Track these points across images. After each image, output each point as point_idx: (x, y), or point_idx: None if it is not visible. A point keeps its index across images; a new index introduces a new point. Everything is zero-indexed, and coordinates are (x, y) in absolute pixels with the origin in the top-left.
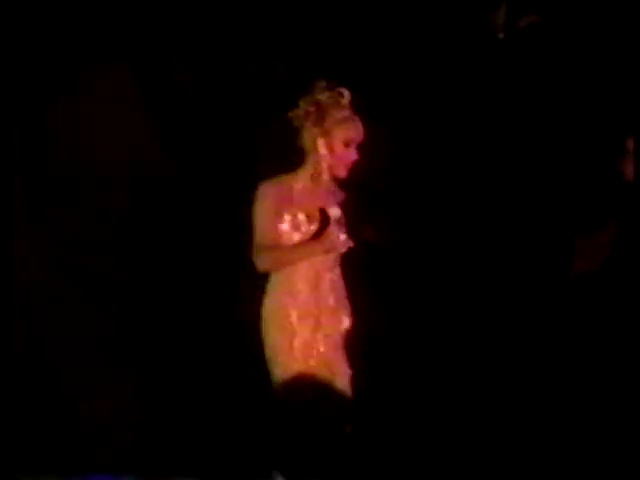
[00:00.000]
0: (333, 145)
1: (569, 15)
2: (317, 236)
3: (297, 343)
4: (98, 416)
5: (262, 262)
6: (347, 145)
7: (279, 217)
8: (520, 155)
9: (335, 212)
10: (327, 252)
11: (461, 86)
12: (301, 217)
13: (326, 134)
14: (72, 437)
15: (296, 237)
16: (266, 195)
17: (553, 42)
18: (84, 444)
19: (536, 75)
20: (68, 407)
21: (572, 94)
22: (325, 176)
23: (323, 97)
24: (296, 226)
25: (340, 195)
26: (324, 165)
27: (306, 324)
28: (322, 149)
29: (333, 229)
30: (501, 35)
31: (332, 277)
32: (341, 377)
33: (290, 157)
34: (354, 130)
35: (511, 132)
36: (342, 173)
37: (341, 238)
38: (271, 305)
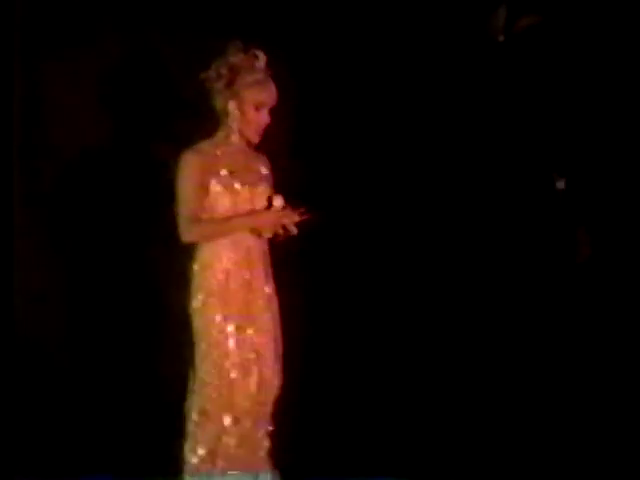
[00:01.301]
0: (244, 108)
1: (569, 17)
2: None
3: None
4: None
5: (189, 234)
6: (257, 108)
7: (206, 184)
8: (518, 155)
9: (279, 202)
10: (254, 234)
11: (460, 88)
12: (228, 181)
13: (237, 96)
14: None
15: (226, 201)
16: (190, 164)
17: (553, 44)
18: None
19: (536, 77)
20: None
21: (572, 96)
22: (235, 138)
23: (236, 59)
24: (225, 190)
25: (262, 158)
26: (235, 127)
27: (238, 283)
28: (233, 112)
29: (271, 215)
30: (501, 37)
31: (262, 245)
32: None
33: (206, 120)
34: (266, 93)
35: (510, 133)
36: (254, 137)
37: (274, 227)
38: (202, 262)
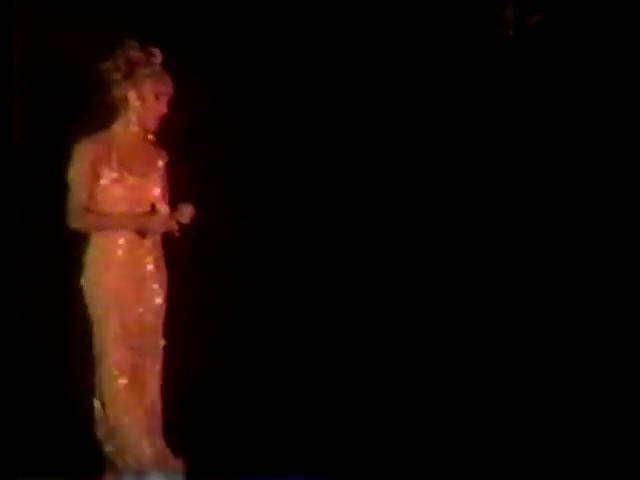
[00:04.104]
0: (144, 97)
1: (577, 12)
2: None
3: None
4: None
5: (75, 221)
6: (157, 98)
7: (98, 174)
8: (525, 152)
9: (164, 209)
10: (139, 234)
11: (470, 84)
12: (121, 172)
13: (136, 86)
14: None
15: (117, 191)
16: (83, 153)
17: (562, 39)
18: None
19: (545, 73)
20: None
21: (580, 92)
22: (134, 127)
23: (134, 54)
24: (116, 180)
25: (159, 151)
26: (134, 117)
27: (127, 283)
28: (133, 100)
29: (158, 220)
30: (510, 32)
31: (153, 240)
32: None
33: (102, 112)
34: (164, 84)
35: (518, 130)
36: (152, 125)
37: (159, 230)
38: (92, 266)
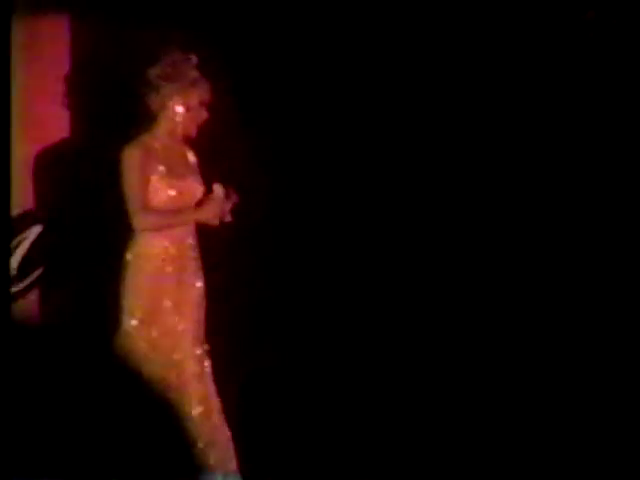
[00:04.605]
0: (188, 102)
1: None
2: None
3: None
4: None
5: (143, 222)
6: (200, 104)
7: (147, 178)
8: (597, 150)
9: (219, 189)
10: (203, 222)
11: (551, 83)
12: (167, 176)
13: (181, 93)
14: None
15: (165, 195)
16: (134, 157)
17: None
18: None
19: (624, 74)
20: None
21: None
22: (179, 132)
23: (179, 59)
24: (164, 185)
25: (189, 150)
26: (177, 122)
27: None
28: (177, 107)
29: (216, 205)
30: (591, 34)
31: (193, 239)
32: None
33: (144, 118)
34: (206, 91)
35: (596, 128)
36: (193, 131)
37: (219, 215)
38: (136, 252)
